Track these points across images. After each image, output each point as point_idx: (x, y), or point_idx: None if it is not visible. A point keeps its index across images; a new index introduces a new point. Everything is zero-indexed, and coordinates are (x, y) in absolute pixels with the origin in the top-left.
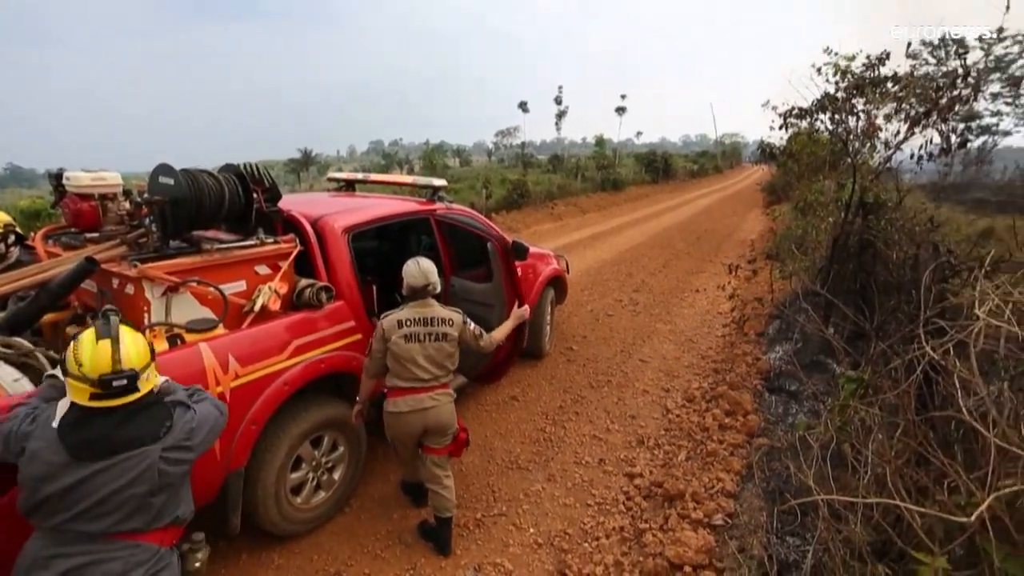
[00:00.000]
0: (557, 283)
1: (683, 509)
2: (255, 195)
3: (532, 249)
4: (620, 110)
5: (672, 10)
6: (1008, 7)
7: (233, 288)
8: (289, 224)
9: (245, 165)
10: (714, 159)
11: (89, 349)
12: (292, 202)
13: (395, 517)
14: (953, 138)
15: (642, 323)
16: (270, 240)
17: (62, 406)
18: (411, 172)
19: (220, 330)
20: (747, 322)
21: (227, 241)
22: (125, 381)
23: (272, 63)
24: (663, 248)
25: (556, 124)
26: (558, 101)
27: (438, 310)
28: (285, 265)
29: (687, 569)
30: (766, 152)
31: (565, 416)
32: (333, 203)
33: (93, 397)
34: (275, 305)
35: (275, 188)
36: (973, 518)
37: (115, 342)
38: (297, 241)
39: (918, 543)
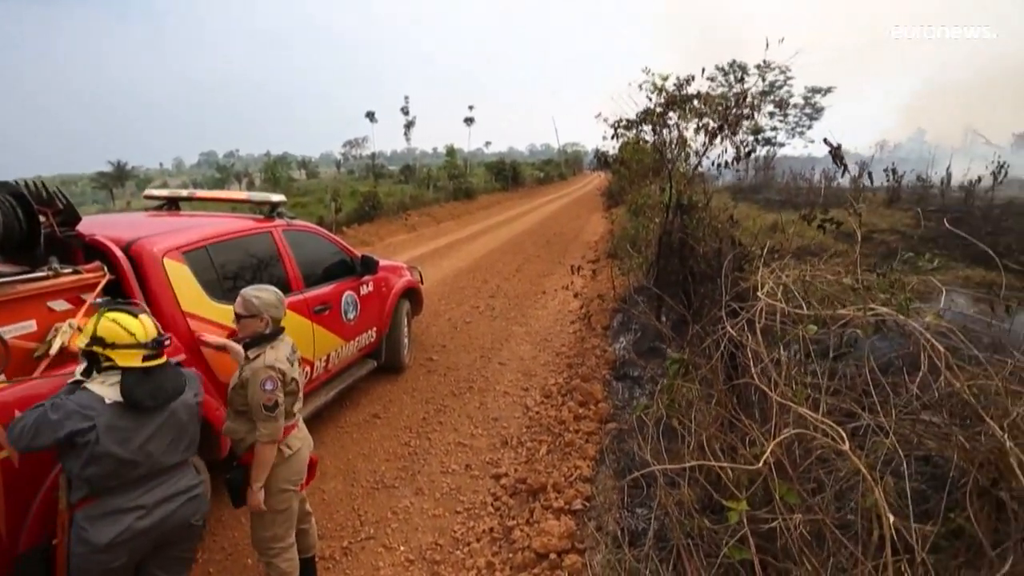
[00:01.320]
0: (412, 295)
1: (546, 500)
2: (43, 218)
3: (383, 262)
4: (468, 120)
5: (513, 24)
6: (781, 40)
7: (18, 330)
8: (94, 250)
9: (28, 183)
10: (558, 167)
11: (135, 323)
12: (100, 224)
13: (249, 563)
14: (742, 148)
15: (499, 327)
16: (67, 270)
17: (107, 386)
18: (251, 186)
19: None
20: (591, 317)
21: (6, 274)
22: (166, 340)
23: (77, 59)
24: (516, 253)
25: (405, 134)
26: (405, 111)
27: (286, 336)
28: (90, 298)
29: (553, 556)
30: (601, 160)
31: (429, 427)
32: (151, 224)
33: (146, 359)
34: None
35: (71, 209)
36: (760, 464)
37: (148, 315)
38: (105, 269)
39: (730, 494)
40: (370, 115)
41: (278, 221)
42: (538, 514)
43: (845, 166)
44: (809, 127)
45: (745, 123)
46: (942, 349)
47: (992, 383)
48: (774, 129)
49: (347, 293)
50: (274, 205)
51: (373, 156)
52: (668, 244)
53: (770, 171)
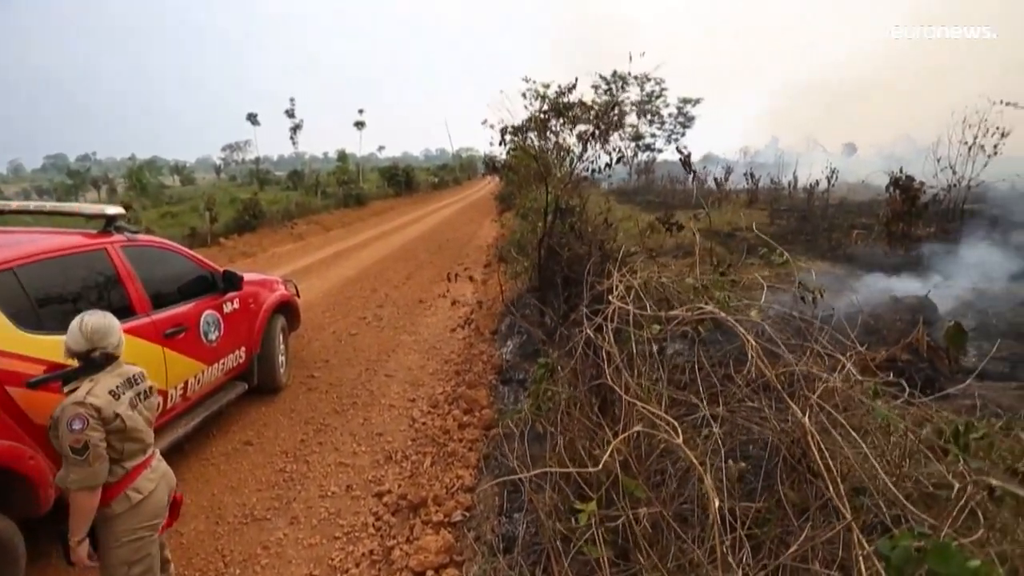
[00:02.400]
0: (287, 310)
1: (426, 515)
2: None
3: (250, 276)
4: (359, 124)
5: (407, 27)
6: (642, 54)
7: None
8: None
9: None
10: (453, 171)
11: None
12: None
13: None
14: (614, 154)
15: (387, 338)
16: None
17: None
18: (112, 192)
19: None
20: (479, 322)
21: None
22: None
23: None
24: (407, 260)
25: (292, 138)
26: (291, 114)
27: (128, 366)
28: None
29: (430, 574)
30: (489, 165)
31: (308, 449)
32: None
33: None
34: None
35: None
36: (600, 466)
37: None
38: None
39: (584, 495)
40: (252, 117)
41: (116, 236)
42: (418, 530)
43: (694, 172)
44: (683, 134)
45: (617, 130)
46: (754, 342)
47: (800, 368)
48: (653, 136)
49: (207, 312)
50: (110, 218)
51: (257, 161)
52: (548, 248)
53: (651, 175)
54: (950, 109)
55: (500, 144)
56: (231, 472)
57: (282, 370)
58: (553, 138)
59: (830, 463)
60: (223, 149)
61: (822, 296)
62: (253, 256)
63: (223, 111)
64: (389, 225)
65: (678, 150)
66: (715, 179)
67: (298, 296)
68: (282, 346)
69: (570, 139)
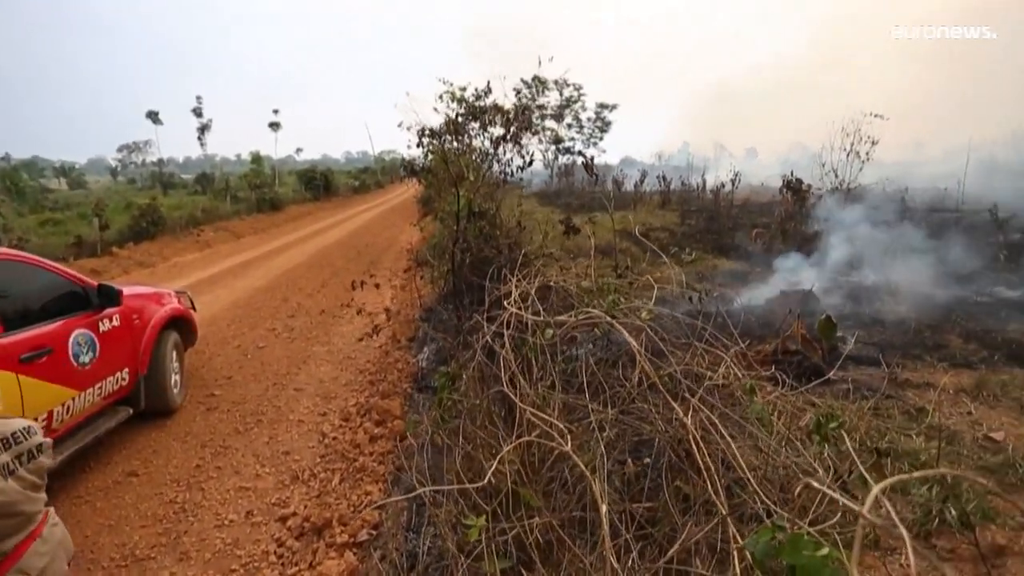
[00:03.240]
0: (181, 324)
1: (331, 537)
2: None
3: (134, 290)
4: (274, 125)
5: (324, 26)
6: (551, 59)
7: None
8: None
9: None
10: (375, 175)
11: None
12: None
13: None
14: (527, 157)
15: (298, 349)
16: None
17: None
18: None
19: None
20: (379, 332)
21: None
22: None
23: None
24: (323, 267)
25: (200, 139)
26: (198, 113)
27: (5, 421)
28: None
29: None
30: (408, 169)
31: (204, 476)
32: None
33: None
34: None
35: None
36: (489, 476)
37: None
38: None
39: (484, 507)
40: (153, 115)
41: None
42: (321, 554)
43: (596, 176)
44: (601, 138)
45: (529, 133)
46: (636, 345)
47: (683, 368)
48: (572, 139)
49: (78, 332)
50: None
51: (160, 163)
52: (461, 252)
53: (571, 177)
54: (832, 119)
55: (417, 147)
56: (110, 509)
57: (176, 390)
58: (468, 141)
59: (708, 461)
60: (119, 150)
61: (708, 296)
62: (152, 267)
63: (119, 109)
64: (305, 231)
65: (581, 155)
66: (616, 181)
67: (194, 309)
68: (176, 364)
69: (484, 142)
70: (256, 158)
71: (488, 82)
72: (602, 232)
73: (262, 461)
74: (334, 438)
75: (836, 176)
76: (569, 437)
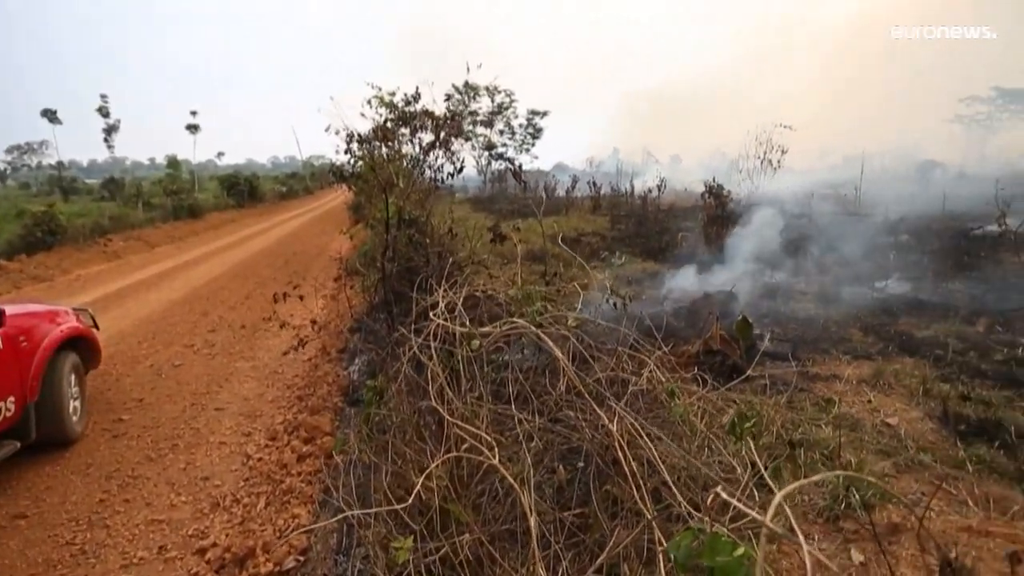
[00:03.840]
0: (81, 345)
1: (254, 567)
2: None
3: (21, 308)
4: (192, 128)
5: (247, 23)
6: (479, 66)
7: None
8: None
9: None
10: (303, 180)
11: None
12: None
13: None
14: (457, 164)
15: (220, 366)
16: None
17: None
18: None
19: None
20: (307, 344)
21: None
22: None
23: None
24: (247, 277)
25: (107, 140)
26: (104, 112)
27: None
28: None
29: None
30: (337, 174)
31: (109, 511)
32: None
33: None
34: None
35: None
36: (414, 495)
37: None
38: None
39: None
40: (50, 114)
41: None
42: None
43: (525, 184)
44: (533, 145)
45: (458, 138)
46: (560, 355)
47: (607, 374)
48: (504, 145)
49: None
50: None
51: (60, 166)
52: (391, 259)
53: (504, 183)
54: (747, 128)
55: (346, 153)
56: None
57: (75, 418)
58: (397, 147)
59: (633, 466)
60: (8, 151)
61: (631, 301)
62: (49, 281)
63: (6, 106)
64: (228, 239)
65: (509, 162)
66: (547, 187)
67: (96, 327)
68: (74, 389)
69: (414, 148)
70: (173, 162)
71: (417, 88)
72: (535, 238)
73: (178, 489)
74: (259, 459)
75: (752, 182)
76: (497, 450)
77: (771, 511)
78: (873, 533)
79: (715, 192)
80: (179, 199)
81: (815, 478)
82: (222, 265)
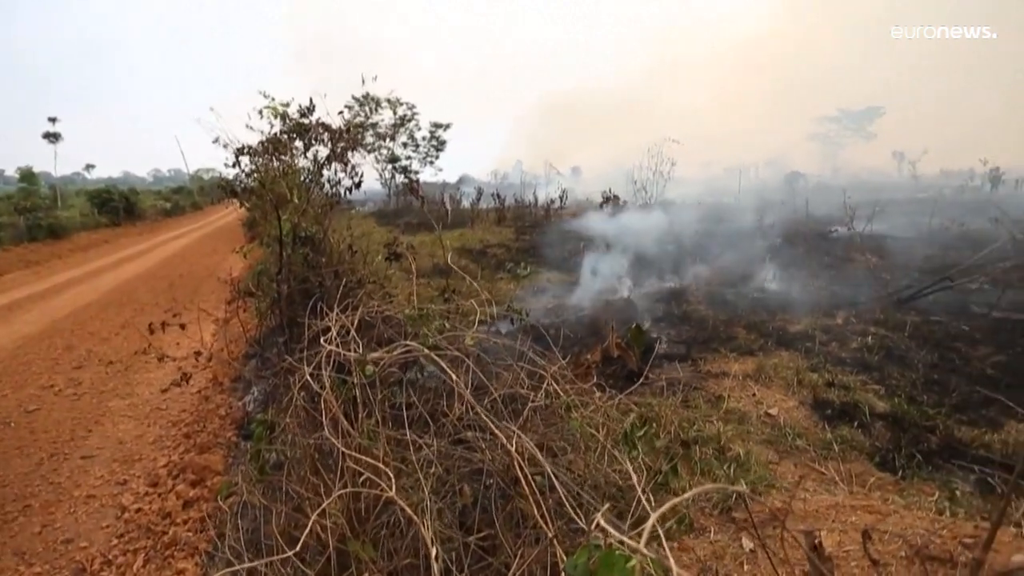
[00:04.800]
0: None
1: None
2: None
3: None
4: (51, 136)
5: (118, 23)
6: (375, 78)
7: None
8: None
9: None
10: (191, 195)
11: None
12: None
13: None
14: (356, 178)
15: (88, 407)
16: None
17: None
18: None
19: None
20: (190, 377)
21: None
22: None
23: None
24: (123, 305)
25: None
26: None
27: None
28: None
29: None
30: (227, 189)
31: None
32: None
33: None
34: None
35: None
36: (304, 536)
37: None
38: None
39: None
40: None
41: None
42: None
43: (422, 199)
44: (437, 157)
45: (358, 152)
46: (455, 378)
47: (504, 392)
48: (408, 158)
49: None
50: None
51: None
52: (287, 279)
53: (410, 196)
54: (642, 141)
55: (234, 166)
56: None
57: None
58: (291, 160)
59: (533, 484)
60: None
61: (528, 315)
62: None
63: None
64: (101, 262)
65: (406, 175)
66: (453, 199)
67: None
68: None
69: (310, 162)
70: (27, 175)
71: (311, 99)
72: (441, 250)
73: (30, 559)
74: (138, 510)
75: (646, 192)
76: (395, 479)
77: (647, 533)
78: (752, 522)
79: (611, 202)
80: (36, 217)
81: (688, 495)
82: (93, 292)
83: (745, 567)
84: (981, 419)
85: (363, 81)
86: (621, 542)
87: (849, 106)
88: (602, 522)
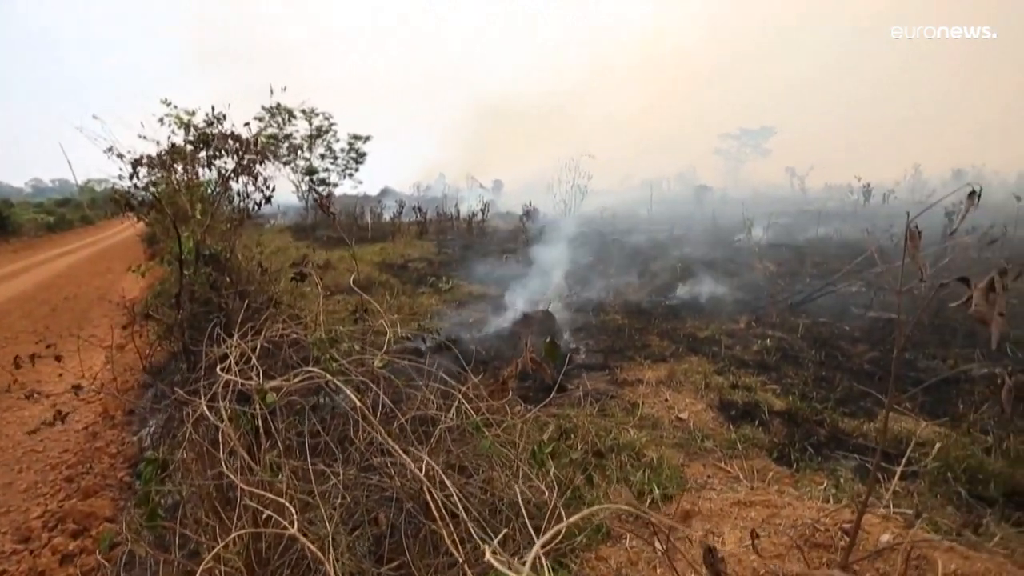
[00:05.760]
0: None
1: None
2: None
3: None
4: None
5: None
6: (284, 88)
7: None
8: None
9: None
10: (80, 208)
11: None
12: None
13: None
14: (265, 191)
15: None
16: None
17: None
18: None
19: None
20: (60, 416)
21: None
22: None
23: None
24: None
25: None
26: None
27: None
28: None
29: None
30: (121, 202)
31: None
32: None
33: None
34: None
35: None
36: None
37: None
38: None
39: None
40: None
41: None
42: None
43: (333, 215)
44: (356, 170)
45: (274, 163)
46: (360, 404)
47: (415, 414)
48: (326, 170)
49: None
50: None
51: None
52: (190, 301)
53: (326, 211)
54: (563, 154)
55: (131, 178)
56: None
57: None
58: (194, 173)
59: (443, 510)
60: None
61: (439, 334)
62: None
63: None
64: None
65: (315, 191)
66: (371, 213)
67: None
68: None
69: (214, 174)
70: None
71: (213, 108)
72: (362, 266)
73: None
74: (1, 573)
75: (565, 205)
76: (296, 516)
77: (529, 561)
78: (653, 527)
79: (531, 215)
80: None
81: (574, 518)
82: None
83: (658, 571)
84: (860, 410)
85: (271, 91)
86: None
87: (748, 125)
88: (489, 556)
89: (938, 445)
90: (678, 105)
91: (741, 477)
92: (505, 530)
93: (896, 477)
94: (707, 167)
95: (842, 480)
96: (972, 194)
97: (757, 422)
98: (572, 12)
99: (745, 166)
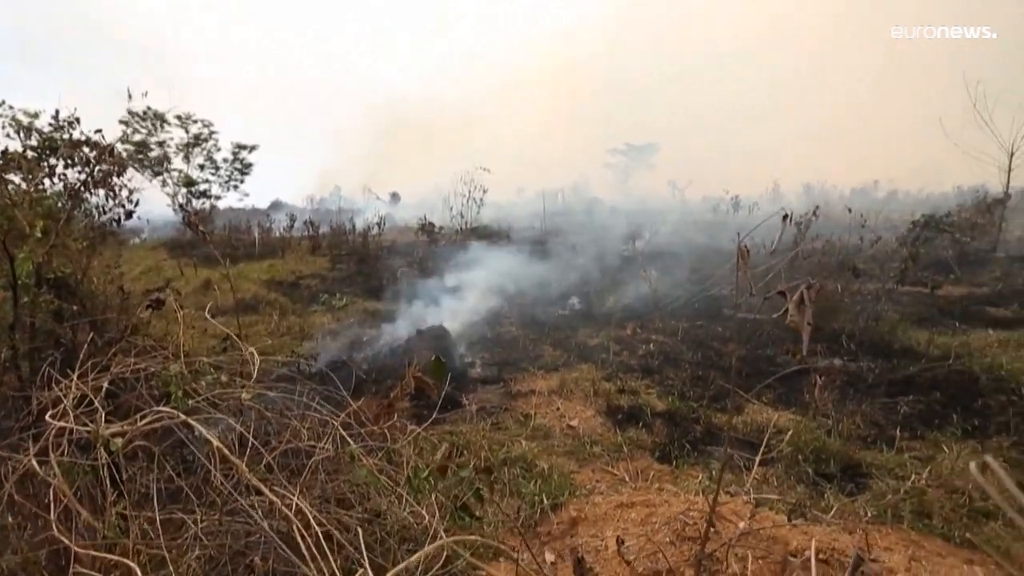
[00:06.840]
0: None
1: None
2: None
3: None
4: None
5: None
6: (145, 93)
7: None
8: None
9: None
10: None
11: None
12: None
13: None
14: (128, 205)
15: None
16: None
17: None
18: None
19: None
20: None
21: None
22: None
23: None
24: None
25: None
26: None
27: None
28: None
29: None
30: None
31: None
32: None
33: None
34: None
35: None
36: None
37: None
38: None
39: None
40: None
41: None
42: None
43: (197, 229)
44: (242, 181)
45: (121, 176)
46: (217, 443)
47: (284, 448)
48: (207, 182)
49: None
50: None
51: None
52: (29, 333)
53: (210, 224)
54: (458, 167)
55: None
56: None
57: None
58: (37, 184)
59: (313, 548)
60: None
61: (316, 360)
62: None
63: None
64: None
65: (183, 209)
66: (258, 228)
67: None
68: None
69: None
70: None
71: (57, 111)
72: (248, 284)
73: None
74: None
75: (461, 217)
76: (140, 575)
77: None
78: (537, 535)
79: (427, 228)
80: None
81: (413, 558)
82: None
83: None
84: (729, 406)
85: (129, 96)
86: None
87: (634, 140)
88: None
89: (790, 432)
90: (573, 119)
91: (626, 479)
92: (379, 560)
93: (756, 464)
94: (597, 180)
95: (714, 472)
96: (785, 217)
97: (641, 424)
98: (482, 22)
99: (632, 179)
